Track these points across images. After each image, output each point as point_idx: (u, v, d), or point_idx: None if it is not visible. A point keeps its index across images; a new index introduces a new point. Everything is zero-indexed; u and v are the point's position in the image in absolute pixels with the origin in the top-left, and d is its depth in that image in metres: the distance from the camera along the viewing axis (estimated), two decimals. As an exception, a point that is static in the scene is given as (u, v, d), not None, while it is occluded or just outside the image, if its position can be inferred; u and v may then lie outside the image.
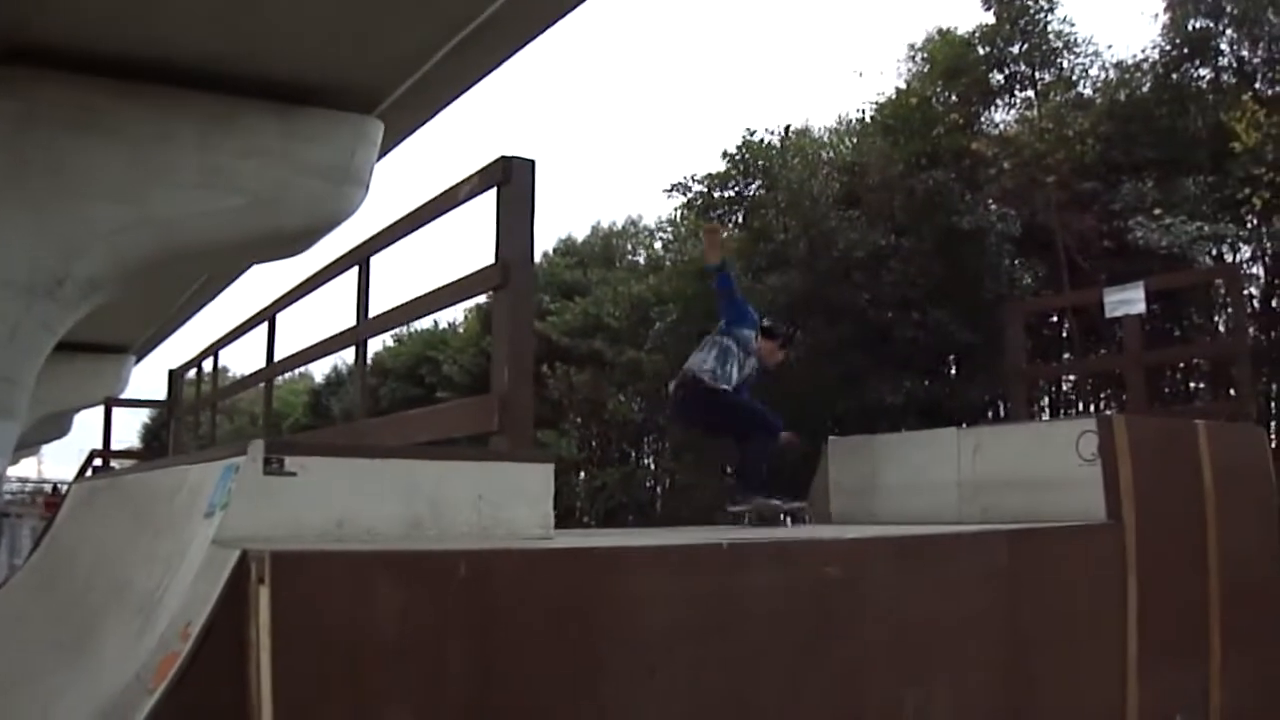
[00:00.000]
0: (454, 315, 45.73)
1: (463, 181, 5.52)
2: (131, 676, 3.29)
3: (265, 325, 9.41)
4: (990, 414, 21.41)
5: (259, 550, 3.17)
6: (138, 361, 38.60)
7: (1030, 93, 23.85)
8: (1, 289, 17.25)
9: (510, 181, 5.08)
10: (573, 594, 3.65)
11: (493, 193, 5.20)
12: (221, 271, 26.49)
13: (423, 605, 3.31)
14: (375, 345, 44.71)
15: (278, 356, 9.28)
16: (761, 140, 25.87)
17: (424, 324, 44.45)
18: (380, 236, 6.81)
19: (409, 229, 6.32)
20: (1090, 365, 21.37)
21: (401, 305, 6.38)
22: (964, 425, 10.88)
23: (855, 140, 25.74)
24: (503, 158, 5.09)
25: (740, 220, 26.96)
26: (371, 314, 6.79)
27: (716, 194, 26.89)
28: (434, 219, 5.99)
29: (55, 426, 42.31)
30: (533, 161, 5.14)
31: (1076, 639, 5.69)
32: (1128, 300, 9.27)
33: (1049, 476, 6.87)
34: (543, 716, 3.53)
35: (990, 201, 21.90)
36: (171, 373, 13.58)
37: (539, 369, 31.02)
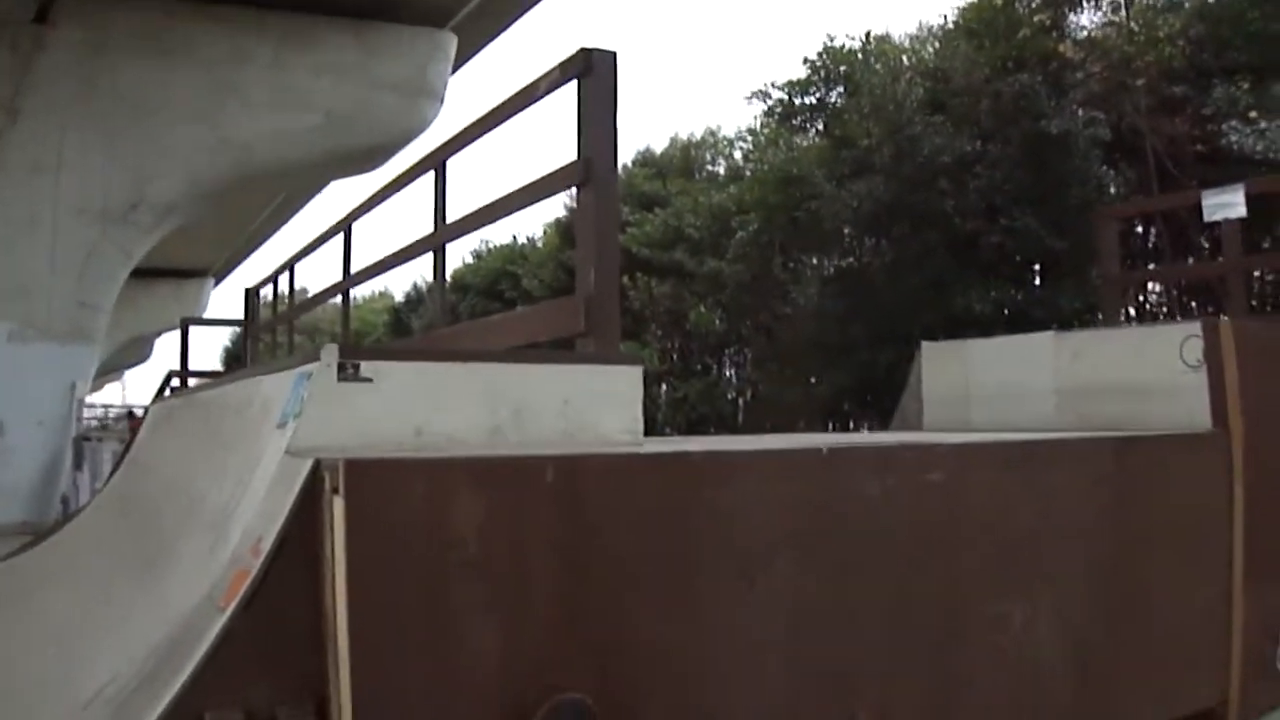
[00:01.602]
0: (533, 230, 45.98)
1: (541, 76, 5.33)
2: (203, 595, 3.17)
3: (340, 238, 9.21)
4: (1077, 324, 20.89)
5: (333, 459, 2.98)
6: (217, 284, 39.07)
7: (1120, -7, 22.96)
8: (76, 215, 17.55)
9: (591, 74, 4.89)
10: (666, 500, 3.38)
11: (573, 87, 5.02)
12: (298, 190, 26.77)
13: (507, 513, 3.09)
14: (454, 261, 46.28)
15: (354, 269, 9.03)
16: (843, 46, 25.38)
17: (503, 238, 45.25)
18: (457, 138, 6.64)
19: (486, 128, 6.15)
20: (1189, 271, 20.57)
21: (481, 208, 6.20)
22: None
23: (938, 46, 25.18)
24: (583, 50, 4.92)
25: (822, 128, 26.48)
26: (449, 219, 6.66)
27: (798, 101, 26.40)
28: (511, 116, 5.83)
29: (137, 351, 43.17)
30: (614, 53, 4.96)
31: (1182, 552, 5.34)
32: (1228, 203, 8.92)
33: (1150, 383, 6.56)
34: (637, 630, 3.34)
35: (1077, 106, 21.26)
36: (247, 291, 13.51)
37: (620, 280, 30.85)
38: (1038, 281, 22.39)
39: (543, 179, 5.27)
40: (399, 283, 79.11)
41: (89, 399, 33.46)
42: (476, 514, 3.04)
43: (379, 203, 8.31)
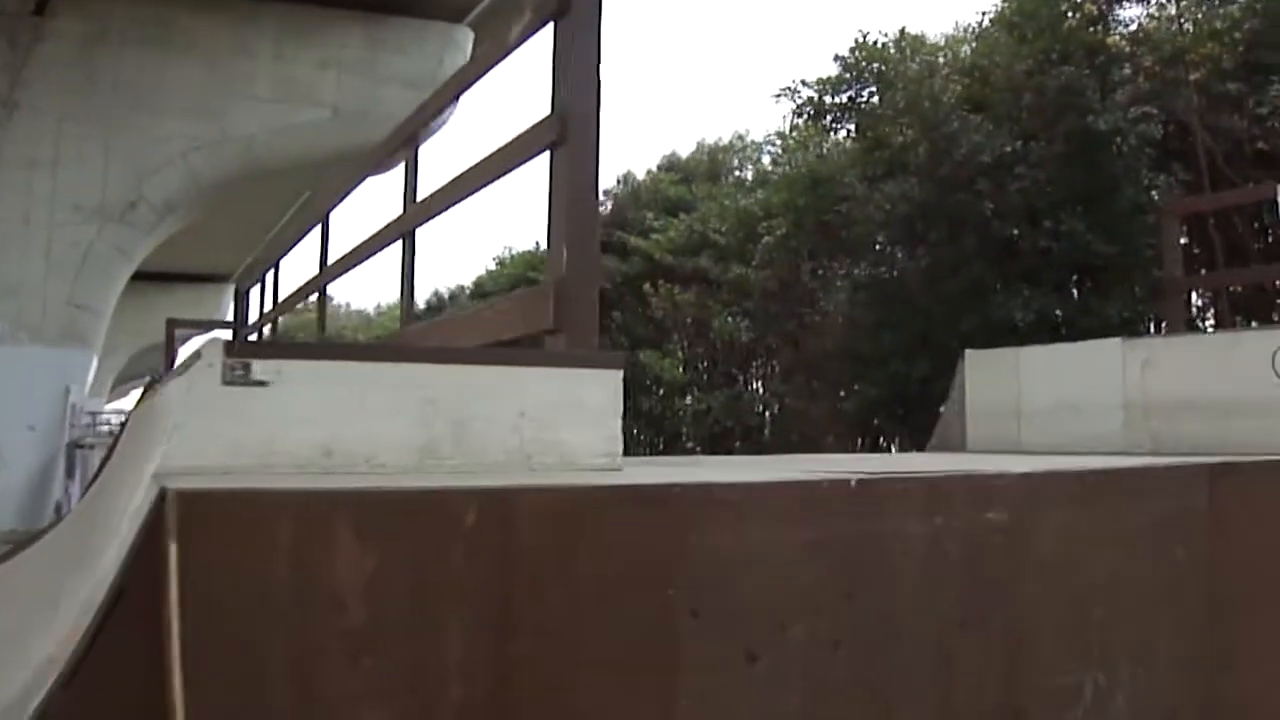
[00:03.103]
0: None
1: (514, 23, 4.74)
2: (46, 656, 2.54)
3: (319, 230, 8.67)
4: (1129, 335, 19.91)
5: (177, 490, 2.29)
6: (244, 292, 38.50)
7: (1170, -14, 21.93)
8: (71, 213, 17.11)
9: (569, 13, 4.17)
10: (639, 550, 2.76)
11: (550, 32, 4.37)
12: (324, 192, 26.16)
13: (409, 569, 2.42)
14: (478, 268, 46.71)
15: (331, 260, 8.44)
16: (876, 42, 24.42)
17: (525, 245, 44.31)
18: (425, 107, 6.03)
19: (457, 91, 5.76)
20: (1260, 274, 19.26)
21: (447, 184, 5.53)
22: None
23: (975, 44, 24.11)
24: (558, -19, 4.12)
25: (854, 129, 25.59)
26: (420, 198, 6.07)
27: (828, 100, 25.39)
28: (485, 73, 5.41)
29: (157, 358, 43.01)
30: (596, -13, 4.16)
31: None
32: None
33: (1237, 398, 5.92)
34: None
35: (1126, 103, 20.11)
36: (237, 291, 12.92)
37: (641, 287, 30.46)
38: (1085, 288, 21.29)
39: (513, 142, 4.59)
40: (422, 289, 79.39)
41: (105, 406, 33.08)
42: (364, 568, 2.36)
43: (350, 190, 7.87)
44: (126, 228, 17.89)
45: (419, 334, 6.31)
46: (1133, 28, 21.91)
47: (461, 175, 5.30)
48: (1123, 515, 4.03)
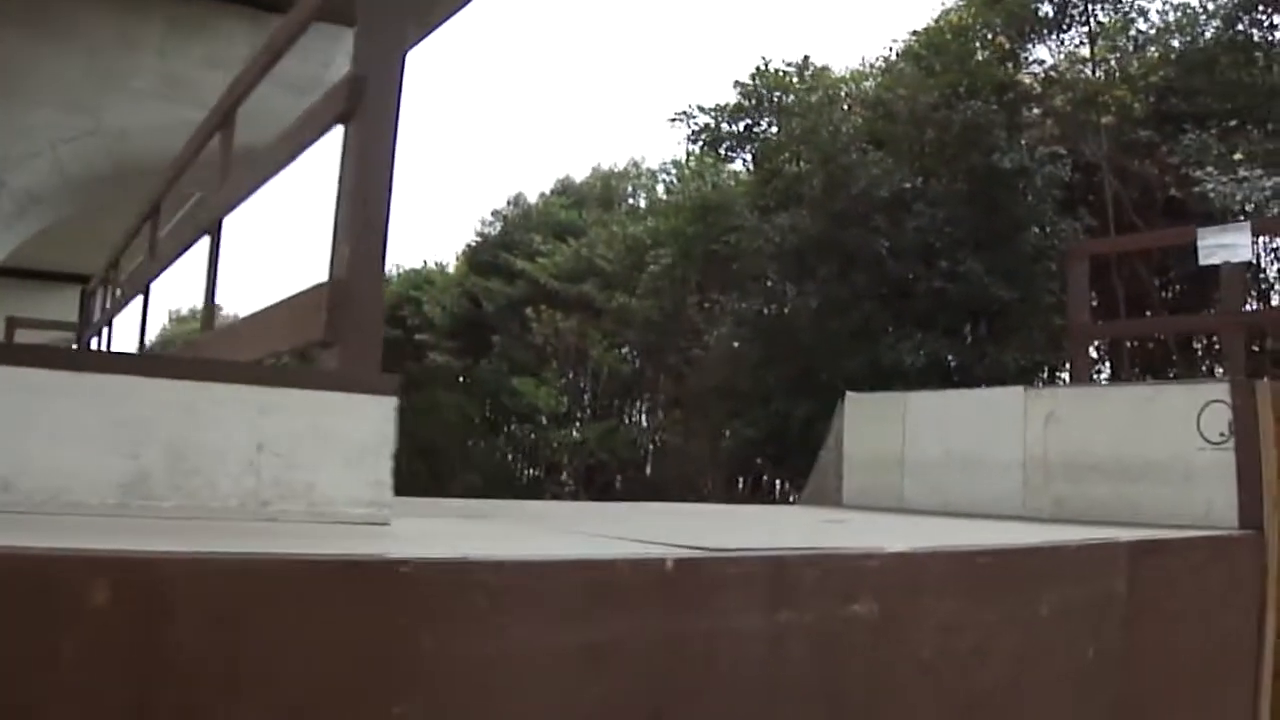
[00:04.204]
0: (444, 255, 45.30)
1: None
2: None
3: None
4: (1027, 384, 19.44)
5: None
6: (125, 298, 37.06)
7: (1084, 29, 21.60)
8: None
9: None
10: (351, 654, 2.03)
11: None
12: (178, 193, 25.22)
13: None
14: None
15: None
16: (777, 70, 23.82)
17: (412, 263, 43.91)
18: (236, 84, 5.65)
19: (261, 68, 5.30)
20: (1177, 324, 18.58)
21: (242, 168, 5.05)
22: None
23: (880, 79, 23.50)
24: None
25: (751, 159, 25.01)
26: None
27: (725, 127, 24.84)
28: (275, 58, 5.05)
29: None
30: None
31: (1202, 699, 4.19)
32: (1230, 244, 7.63)
33: (1154, 460, 5.15)
34: None
35: (1035, 143, 19.68)
36: (83, 291, 12.08)
37: (524, 311, 29.88)
38: (982, 334, 20.81)
39: (303, 116, 4.03)
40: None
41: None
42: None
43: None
44: None
45: (205, 344, 5.41)
46: (1045, 65, 21.64)
47: (256, 158, 4.71)
48: (1024, 606, 3.34)
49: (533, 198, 38.65)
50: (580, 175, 40.19)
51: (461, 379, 34.25)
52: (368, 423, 2.89)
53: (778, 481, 23.09)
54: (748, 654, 2.56)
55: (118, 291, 10.39)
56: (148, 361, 3.02)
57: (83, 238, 24.36)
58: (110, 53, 17.07)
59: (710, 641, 2.50)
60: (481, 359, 33.20)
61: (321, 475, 2.81)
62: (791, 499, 17.71)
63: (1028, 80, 20.74)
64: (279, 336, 3.82)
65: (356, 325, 3.26)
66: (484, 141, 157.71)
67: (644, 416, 32.19)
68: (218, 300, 6.06)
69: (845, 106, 22.35)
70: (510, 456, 34.16)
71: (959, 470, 5.80)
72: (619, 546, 2.82)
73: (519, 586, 2.24)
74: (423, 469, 37.45)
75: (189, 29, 17.73)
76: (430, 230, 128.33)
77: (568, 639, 2.27)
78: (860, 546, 2.98)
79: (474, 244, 38.50)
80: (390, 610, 2.07)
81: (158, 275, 7.86)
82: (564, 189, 38.95)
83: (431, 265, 42.96)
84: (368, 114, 3.35)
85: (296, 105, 14.34)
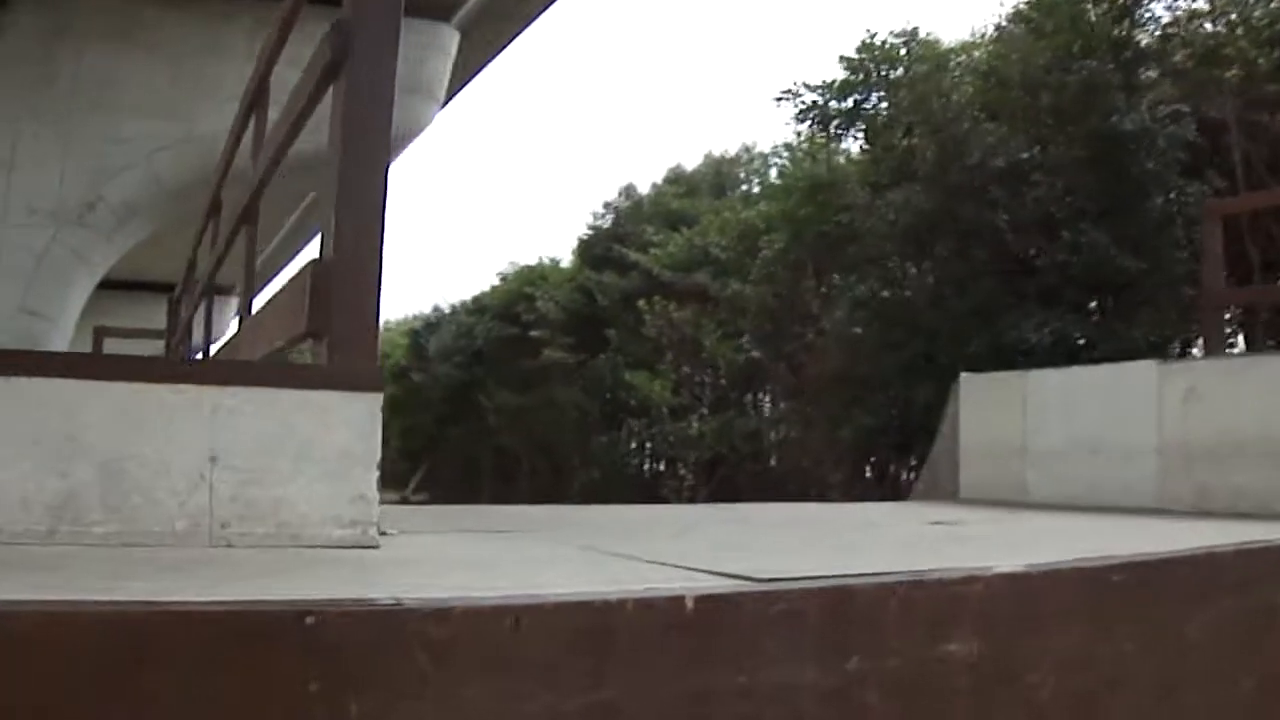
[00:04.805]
0: (559, 250, 44.97)
1: None
2: None
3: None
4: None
5: None
6: (246, 305, 37.30)
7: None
8: (26, 215, 15.99)
9: None
10: None
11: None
12: (288, 197, 25.20)
13: None
14: (483, 284, 46.03)
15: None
16: (884, 43, 22.84)
17: (528, 259, 44.82)
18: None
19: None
20: None
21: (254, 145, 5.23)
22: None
23: (990, 48, 22.41)
24: None
25: (862, 137, 24.27)
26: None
27: (834, 105, 23.85)
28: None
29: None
30: None
31: None
32: None
33: None
34: None
35: (1156, 103, 18.62)
36: (169, 300, 12.02)
37: (637, 304, 29.37)
38: (1104, 309, 19.77)
39: (300, 82, 3.83)
40: (424, 305, 79.35)
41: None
42: None
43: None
44: (84, 230, 16.94)
45: (233, 346, 5.03)
46: (1162, 20, 20.37)
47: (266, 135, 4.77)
48: (1168, 630, 2.75)
49: (644, 188, 38.34)
50: (692, 163, 39.85)
51: (577, 374, 33.89)
52: (347, 426, 2.54)
53: (903, 472, 22.32)
54: (801, 717, 2.01)
55: (195, 296, 10.20)
56: (76, 361, 2.56)
57: (173, 246, 24.53)
58: (198, 59, 17.05)
59: (747, 703, 1.98)
60: (597, 354, 32.83)
61: (291, 490, 2.47)
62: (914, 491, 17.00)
63: (1144, 38, 19.76)
64: (272, 331, 3.38)
65: (347, 313, 2.81)
66: (598, 134, 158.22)
67: (763, 407, 31.59)
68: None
69: (955, 74, 21.53)
70: (628, 452, 33.69)
71: (1085, 457, 5.16)
72: (640, 573, 2.25)
73: (476, 638, 1.70)
74: (544, 465, 37.31)
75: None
76: (546, 226, 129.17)
77: (548, 707, 1.80)
78: (957, 569, 2.36)
79: (586, 237, 38.22)
80: (296, 674, 1.66)
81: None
82: (676, 178, 38.50)
83: (546, 261, 43.10)
84: (358, 66, 3.01)
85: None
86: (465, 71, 17.88)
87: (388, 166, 3.06)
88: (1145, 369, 5.32)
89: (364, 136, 2.93)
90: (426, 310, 54.99)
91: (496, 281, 46.14)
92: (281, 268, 32.91)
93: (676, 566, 2.30)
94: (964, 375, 6.58)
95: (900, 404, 19.89)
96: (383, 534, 2.71)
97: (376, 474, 2.54)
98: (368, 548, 2.44)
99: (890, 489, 21.47)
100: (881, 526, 4.46)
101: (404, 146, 16.99)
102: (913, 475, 20.70)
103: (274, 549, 2.32)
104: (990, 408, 6.11)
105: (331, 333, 2.80)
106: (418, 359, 49.52)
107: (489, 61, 18.56)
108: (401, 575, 2.21)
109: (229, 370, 2.76)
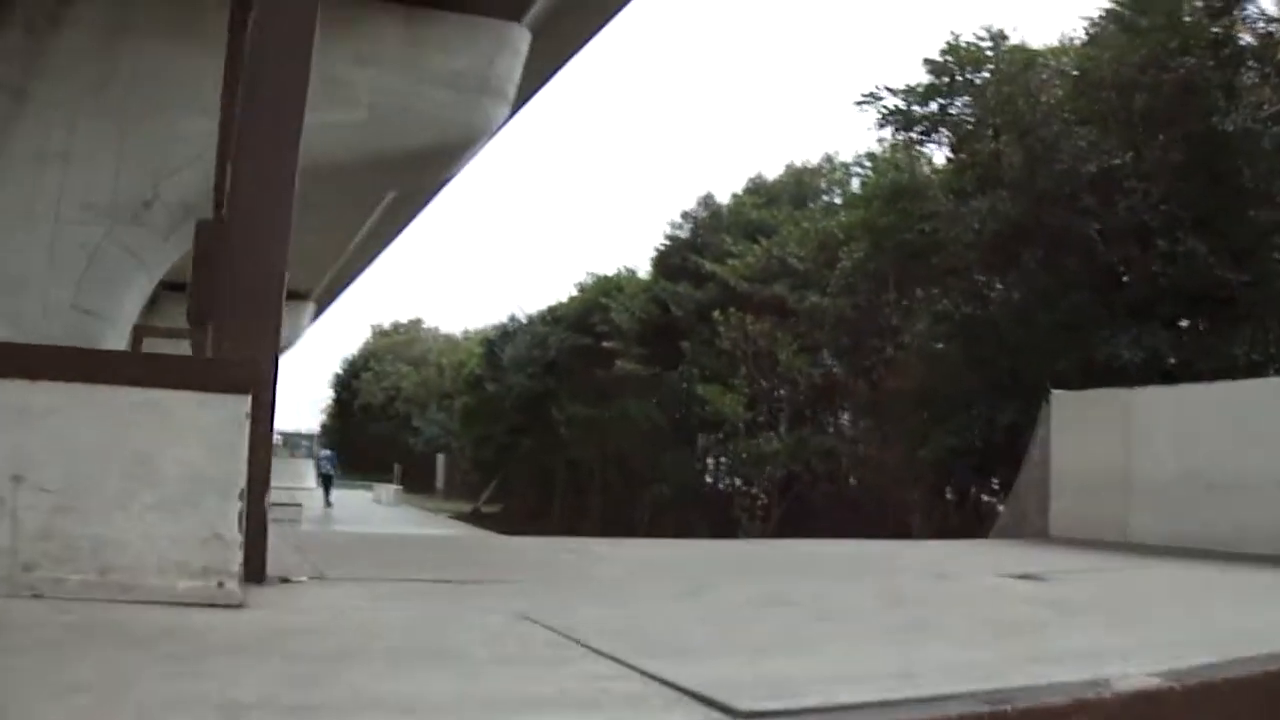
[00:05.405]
0: (636, 260, 45.38)
1: None
2: None
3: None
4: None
5: None
6: (321, 310, 37.02)
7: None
8: (80, 211, 15.83)
9: None
10: None
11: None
12: (403, 202, 24.87)
13: None
14: (560, 294, 45.79)
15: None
16: (969, 45, 22.07)
17: (606, 269, 45.46)
18: None
19: None
20: None
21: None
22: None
23: (1081, 50, 21.42)
24: None
25: (947, 143, 23.44)
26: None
27: (917, 110, 23.06)
28: None
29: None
30: None
31: None
32: None
33: None
34: None
35: (1260, 104, 17.63)
36: None
37: (713, 315, 28.89)
38: (1201, 325, 18.75)
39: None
40: (499, 315, 79.52)
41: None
42: None
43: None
44: (139, 229, 16.64)
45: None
46: (1265, 17, 19.25)
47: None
48: None
49: (723, 198, 38.06)
50: (773, 173, 39.54)
51: (650, 387, 33.34)
52: (201, 438, 2.02)
53: (984, 494, 21.57)
54: None
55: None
56: None
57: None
58: (257, 54, 16.68)
59: None
60: (671, 366, 32.27)
61: (119, 523, 1.99)
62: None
63: (1246, 35, 18.73)
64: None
65: (238, 289, 2.10)
66: (679, 143, 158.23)
67: (841, 425, 30.94)
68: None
69: (1044, 75, 20.53)
70: (701, 468, 33.07)
71: (1207, 493, 4.31)
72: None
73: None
74: (616, 479, 36.82)
75: (338, 28, 17.26)
76: (626, 236, 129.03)
77: None
78: (1060, 684, 1.57)
79: (663, 247, 38.02)
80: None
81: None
82: (756, 187, 38.25)
83: (623, 271, 43.08)
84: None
85: (453, 102, 13.73)
86: (540, 74, 17.70)
87: (300, 108, 2.38)
88: (1276, 387, 4.51)
89: (272, 68, 2.25)
90: (503, 319, 55.30)
91: (574, 292, 46.17)
92: (359, 271, 32.56)
93: (635, 671, 1.55)
94: (1056, 393, 5.78)
95: (983, 424, 19.10)
96: (284, 581, 2.01)
97: (239, 505, 1.80)
98: (225, 606, 1.72)
99: (971, 513, 20.71)
100: (957, 579, 3.68)
101: (476, 149, 16.88)
102: (994, 499, 19.82)
103: (90, 604, 1.62)
104: (1086, 431, 5.30)
105: (222, 315, 2.10)
106: (492, 369, 49.91)
107: (565, 63, 18.38)
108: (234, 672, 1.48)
109: (38, 358, 2.04)
